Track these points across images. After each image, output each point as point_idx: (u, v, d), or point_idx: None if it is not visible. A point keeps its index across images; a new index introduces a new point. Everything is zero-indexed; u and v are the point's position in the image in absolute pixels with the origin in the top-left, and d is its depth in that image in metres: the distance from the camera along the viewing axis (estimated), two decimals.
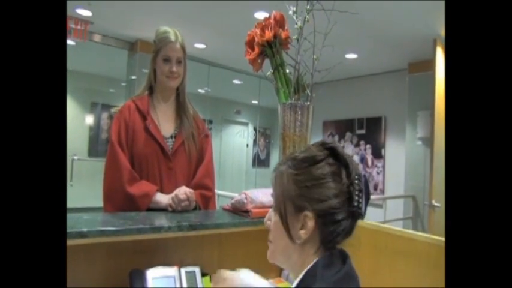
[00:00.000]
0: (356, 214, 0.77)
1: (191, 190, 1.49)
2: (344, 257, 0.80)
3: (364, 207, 0.78)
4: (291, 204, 0.78)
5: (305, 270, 0.77)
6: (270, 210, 0.87)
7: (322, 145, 0.82)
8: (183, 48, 1.64)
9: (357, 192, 0.77)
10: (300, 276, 0.78)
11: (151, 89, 1.70)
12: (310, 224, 0.76)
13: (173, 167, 1.62)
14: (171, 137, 1.66)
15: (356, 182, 0.77)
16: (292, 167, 0.80)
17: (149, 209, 1.48)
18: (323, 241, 0.78)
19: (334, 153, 0.80)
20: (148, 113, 1.62)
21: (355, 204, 0.76)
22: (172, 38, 1.61)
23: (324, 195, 0.76)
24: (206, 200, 1.63)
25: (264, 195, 1.45)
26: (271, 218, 0.85)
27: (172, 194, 1.46)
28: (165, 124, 1.67)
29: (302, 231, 0.77)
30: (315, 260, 0.77)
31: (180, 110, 1.71)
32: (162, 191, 1.56)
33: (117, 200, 1.51)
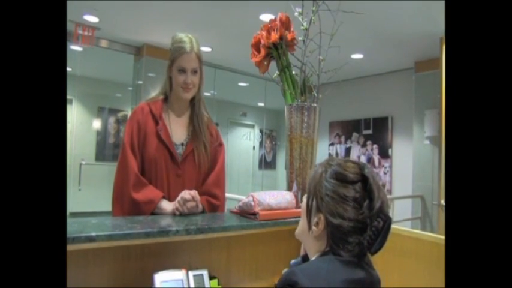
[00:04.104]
0: (364, 246, 0.79)
1: (195, 191, 1.48)
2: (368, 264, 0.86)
3: (378, 246, 0.79)
4: (315, 200, 0.88)
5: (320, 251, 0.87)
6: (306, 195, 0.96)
7: (361, 169, 0.85)
8: (198, 57, 1.60)
9: (373, 229, 0.78)
10: (317, 255, 0.87)
11: (166, 95, 1.69)
12: (321, 226, 0.85)
13: (181, 174, 1.60)
14: (182, 144, 1.64)
15: (377, 220, 0.79)
16: (327, 173, 0.87)
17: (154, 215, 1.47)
18: (332, 247, 0.84)
19: (365, 182, 0.83)
20: (161, 118, 1.61)
21: (367, 238, 0.79)
22: (188, 48, 1.57)
23: (339, 213, 0.81)
24: (213, 209, 1.61)
25: (271, 197, 1.44)
26: (303, 200, 0.95)
27: (178, 198, 1.45)
28: (177, 130, 1.65)
29: (314, 228, 0.86)
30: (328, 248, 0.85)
31: (194, 117, 1.69)
32: (169, 197, 1.55)
33: (124, 203, 1.51)
